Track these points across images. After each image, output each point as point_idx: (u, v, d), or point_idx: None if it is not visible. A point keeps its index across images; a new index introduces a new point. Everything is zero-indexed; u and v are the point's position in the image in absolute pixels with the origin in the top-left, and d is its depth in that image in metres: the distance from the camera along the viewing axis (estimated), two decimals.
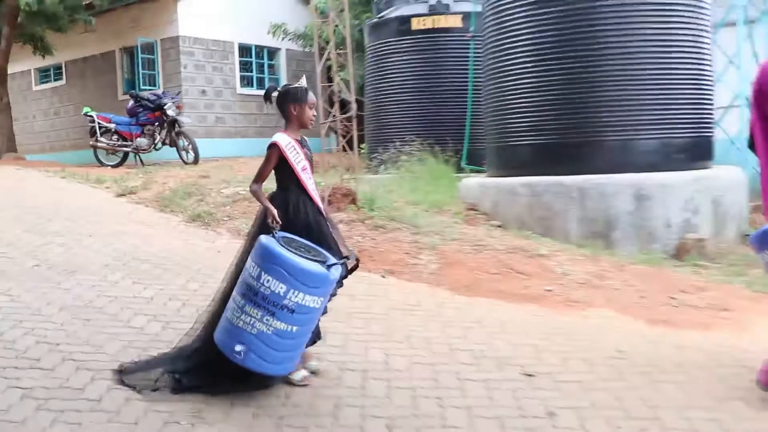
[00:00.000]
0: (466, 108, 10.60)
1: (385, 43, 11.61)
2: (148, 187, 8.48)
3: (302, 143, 3.63)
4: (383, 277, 5.73)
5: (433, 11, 11.13)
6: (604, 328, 4.65)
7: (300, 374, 3.48)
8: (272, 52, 15.83)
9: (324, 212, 3.64)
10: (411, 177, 9.42)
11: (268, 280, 3.11)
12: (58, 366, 3.53)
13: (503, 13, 8.02)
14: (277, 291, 3.10)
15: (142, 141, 11.81)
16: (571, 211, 7.31)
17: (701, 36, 7.82)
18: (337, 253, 3.47)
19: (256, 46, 15.39)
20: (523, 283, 5.62)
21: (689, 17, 7.70)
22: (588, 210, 7.24)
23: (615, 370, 3.83)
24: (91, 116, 11.85)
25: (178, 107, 11.83)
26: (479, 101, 9.50)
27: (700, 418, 3.23)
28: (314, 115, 3.64)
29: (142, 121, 11.85)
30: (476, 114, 10.21)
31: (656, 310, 5.08)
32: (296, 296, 3.09)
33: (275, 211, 3.37)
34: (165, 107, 11.56)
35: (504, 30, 8.02)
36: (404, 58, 11.43)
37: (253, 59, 15.40)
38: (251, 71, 15.48)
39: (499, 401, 3.40)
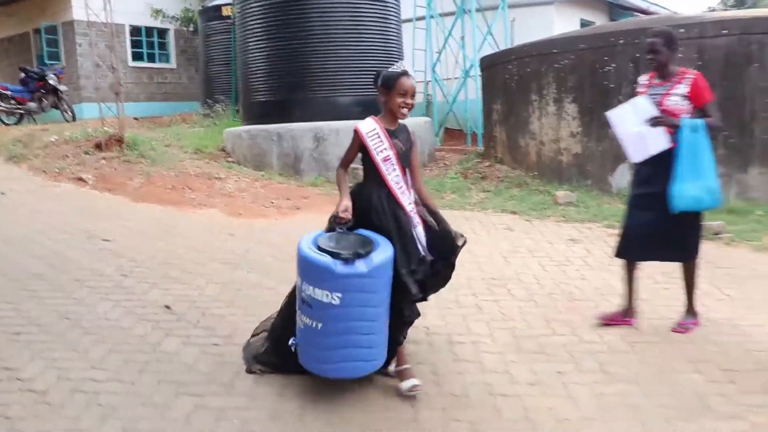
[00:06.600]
0: None
1: (207, 25, 14.78)
2: (1, 138, 11.65)
3: (394, 133, 3.33)
4: (101, 193, 8.88)
5: None
6: (190, 218, 7.66)
7: (408, 383, 3.30)
8: (162, 32, 19.01)
9: (406, 209, 3.29)
10: (209, 126, 12.63)
11: (297, 275, 3.20)
12: None
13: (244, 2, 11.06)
14: (299, 284, 3.16)
15: (32, 105, 15.00)
16: (273, 149, 10.42)
17: (388, 25, 10.87)
18: (413, 255, 3.23)
19: (146, 27, 18.54)
20: (183, 194, 8.71)
21: (377, 12, 10.73)
22: (284, 148, 10.35)
23: (143, 235, 7.01)
24: None
25: (59, 78, 15.00)
26: None
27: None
28: (406, 104, 3.27)
29: (31, 89, 15.03)
30: None
31: (248, 208, 8.11)
32: (308, 289, 3.05)
33: (344, 204, 3.17)
34: (47, 77, 14.73)
35: (246, 16, 11.05)
36: (218, 37, 14.59)
37: (143, 38, 18.53)
38: (142, 48, 18.65)
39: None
